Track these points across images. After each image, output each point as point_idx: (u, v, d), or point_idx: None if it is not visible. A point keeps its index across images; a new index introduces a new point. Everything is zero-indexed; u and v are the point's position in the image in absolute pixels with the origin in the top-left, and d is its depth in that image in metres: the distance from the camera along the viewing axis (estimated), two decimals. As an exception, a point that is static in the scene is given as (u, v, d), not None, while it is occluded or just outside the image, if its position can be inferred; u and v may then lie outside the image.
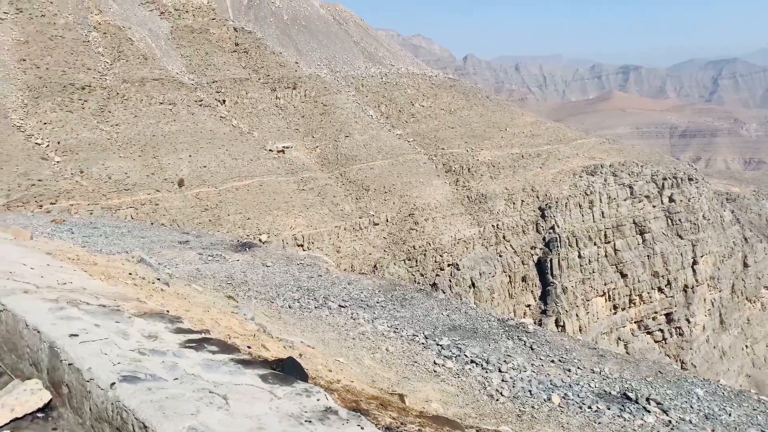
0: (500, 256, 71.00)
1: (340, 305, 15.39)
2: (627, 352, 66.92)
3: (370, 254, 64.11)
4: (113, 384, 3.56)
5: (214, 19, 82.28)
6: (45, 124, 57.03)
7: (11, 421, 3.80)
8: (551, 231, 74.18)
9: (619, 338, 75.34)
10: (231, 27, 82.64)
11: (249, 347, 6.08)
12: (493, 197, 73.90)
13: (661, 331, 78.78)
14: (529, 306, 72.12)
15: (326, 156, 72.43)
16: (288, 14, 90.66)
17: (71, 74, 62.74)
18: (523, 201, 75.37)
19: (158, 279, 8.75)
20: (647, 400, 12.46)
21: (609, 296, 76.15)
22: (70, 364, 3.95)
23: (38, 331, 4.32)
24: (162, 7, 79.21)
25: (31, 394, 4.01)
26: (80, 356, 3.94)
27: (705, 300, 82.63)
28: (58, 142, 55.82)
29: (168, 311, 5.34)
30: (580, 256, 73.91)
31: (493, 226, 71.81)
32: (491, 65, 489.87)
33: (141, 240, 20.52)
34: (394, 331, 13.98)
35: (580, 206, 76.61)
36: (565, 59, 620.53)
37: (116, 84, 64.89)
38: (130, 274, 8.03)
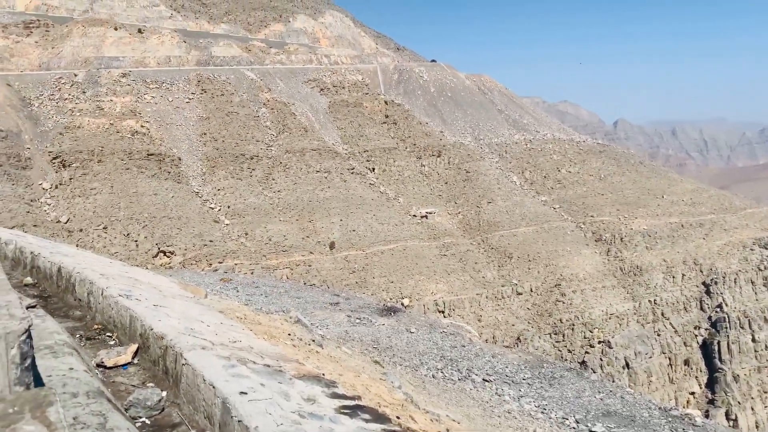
0: (658, 335, 64.87)
1: (484, 379, 14.92)
2: (821, 459, 56.93)
3: (513, 325, 61.87)
4: (277, 444, 3.70)
5: (367, 93, 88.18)
6: (218, 190, 63.83)
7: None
8: (718, 310, 66.62)
9: (809, 441, 64.22)
10: (382, 100, 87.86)
11: (398, 417, 6.08)
12: (650, 270, 68.44)
13: None
14: (693, 394, 64.42)
15: (468, 222, 72.42)
16: (435, 87, 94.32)
17: (242, 146, 70.11)
18: (684, 275, 68.92)
19: (313, 341, 9.18)
20: None
21: (794, 389, 65.77)
22: (239, 421, 4.17)
23: (213, 386, 4.64)
24: (322, 84, 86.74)
25: (205, 446, 4.31)
26: (248, 414, 4.15)
27: None
28: (228, 207, 62.00)
29: (324, 374, 5.54)
30: (754, 340, 65.18)
31: (649, 301, 66.22)
32: (644, 130, 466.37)
33: (296, 300, 21.75)
34: (542, 412, 13.18)
35: (752, 283, 68.31)
36: (729, 122, 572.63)
37: (280, 154, 71.25)
38: (289, 334, 8.52)
